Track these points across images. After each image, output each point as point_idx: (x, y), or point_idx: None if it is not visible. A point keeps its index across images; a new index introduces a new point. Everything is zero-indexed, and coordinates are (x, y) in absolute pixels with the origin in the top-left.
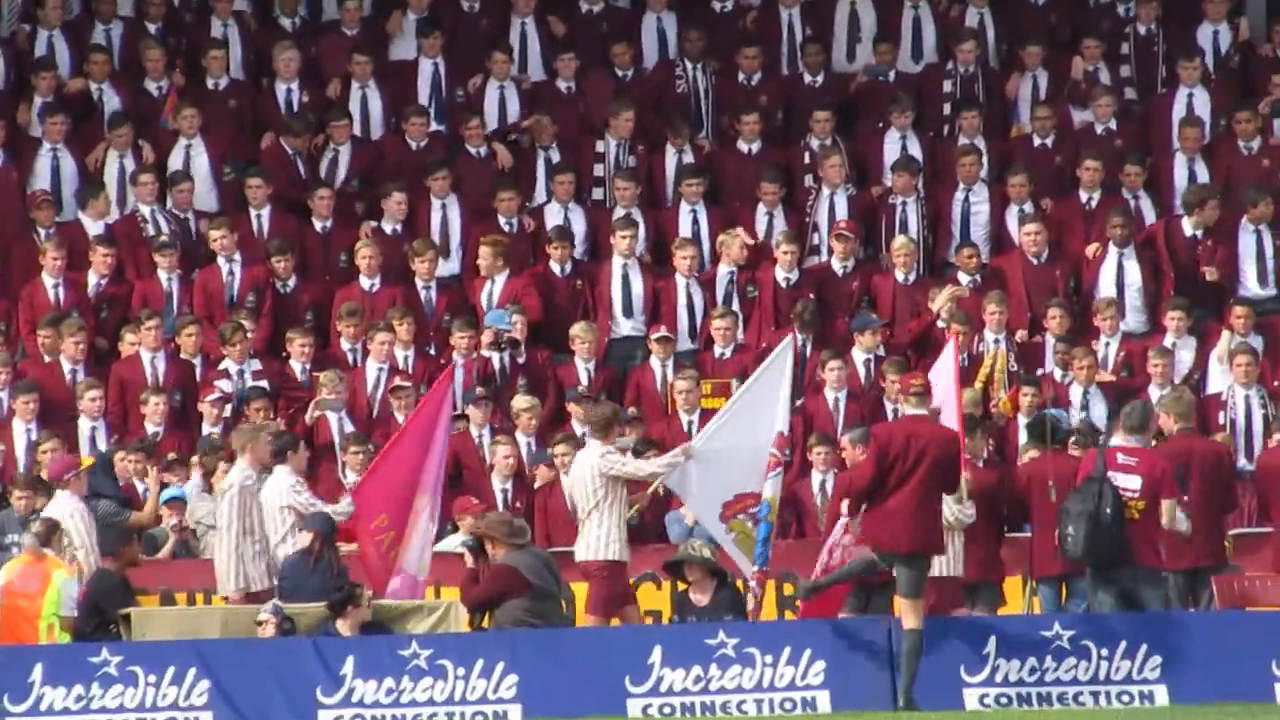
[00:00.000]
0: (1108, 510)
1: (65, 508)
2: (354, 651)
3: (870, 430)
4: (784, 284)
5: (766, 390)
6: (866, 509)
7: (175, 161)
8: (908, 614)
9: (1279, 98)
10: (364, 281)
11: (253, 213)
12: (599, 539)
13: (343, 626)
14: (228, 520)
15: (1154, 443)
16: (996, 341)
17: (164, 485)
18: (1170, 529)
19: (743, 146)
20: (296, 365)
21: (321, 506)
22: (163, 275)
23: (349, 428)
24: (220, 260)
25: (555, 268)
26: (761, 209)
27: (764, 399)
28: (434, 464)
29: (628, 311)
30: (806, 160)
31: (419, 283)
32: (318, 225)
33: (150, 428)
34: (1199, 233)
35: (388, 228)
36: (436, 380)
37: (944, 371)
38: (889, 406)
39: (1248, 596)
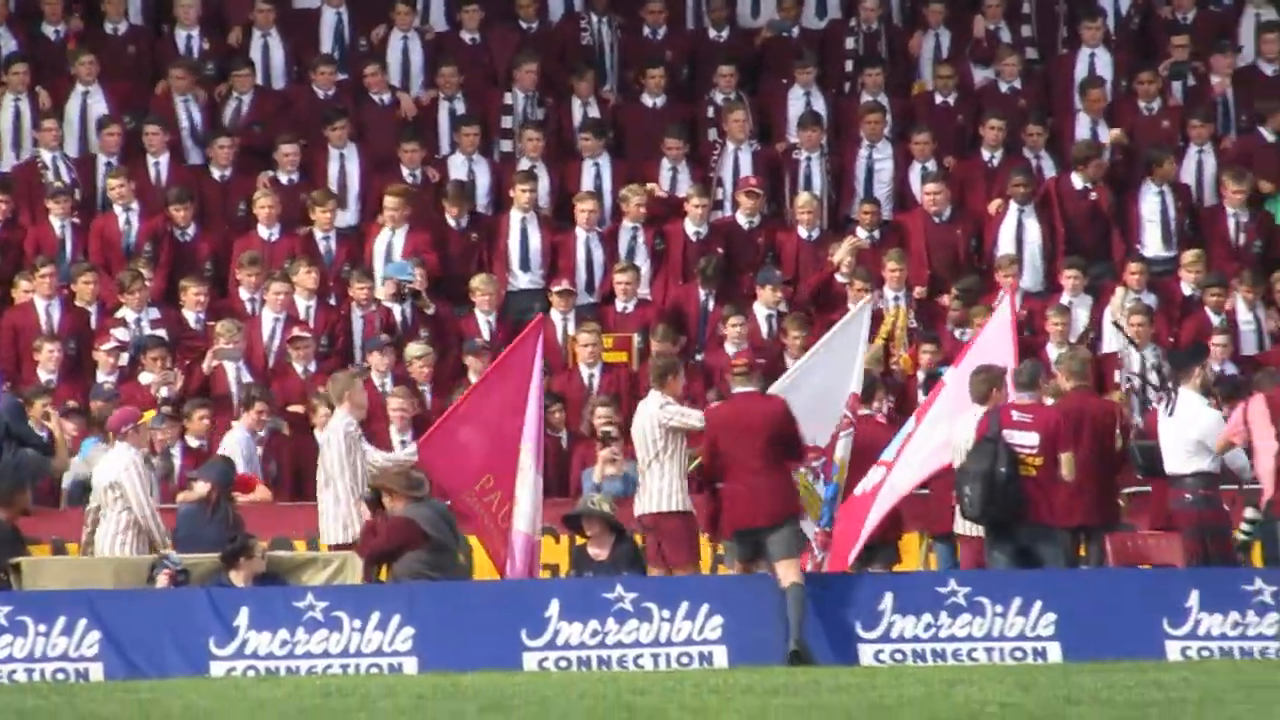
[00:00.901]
0: (1003, 469)
1: (122, 460)
2: (248, 603)
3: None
4: (694, 238)
5: (840, 349)
6: (720, 489)
7: (72, 108)
8: (786, 572)
9: (1178, 59)
10: (262, 231)
11: (150, 160)
12: (661, 490)
13: (236, 577)
14: (339, 469)
15: (1050, 401)
16: (896, 299)
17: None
18: (1070, 482)
19: (647, 100)
20: (190, 314)
21: (373, 453)
22: (55, 221)
23: (246, 378)
24: (117, 208)
25: (450, 220)
26: (665, 163)
27: (837, 358)
28: (534, 418)
29: (525, 265)
30: (710, 115)
31: (318, 233)
32: (216, 174)
33: (44, 375)
34: (1089, 185)
35: (283, 178)
36: (523, 332)
37: (1001, 325)
38: (790, 362)
39: (1140, 554)
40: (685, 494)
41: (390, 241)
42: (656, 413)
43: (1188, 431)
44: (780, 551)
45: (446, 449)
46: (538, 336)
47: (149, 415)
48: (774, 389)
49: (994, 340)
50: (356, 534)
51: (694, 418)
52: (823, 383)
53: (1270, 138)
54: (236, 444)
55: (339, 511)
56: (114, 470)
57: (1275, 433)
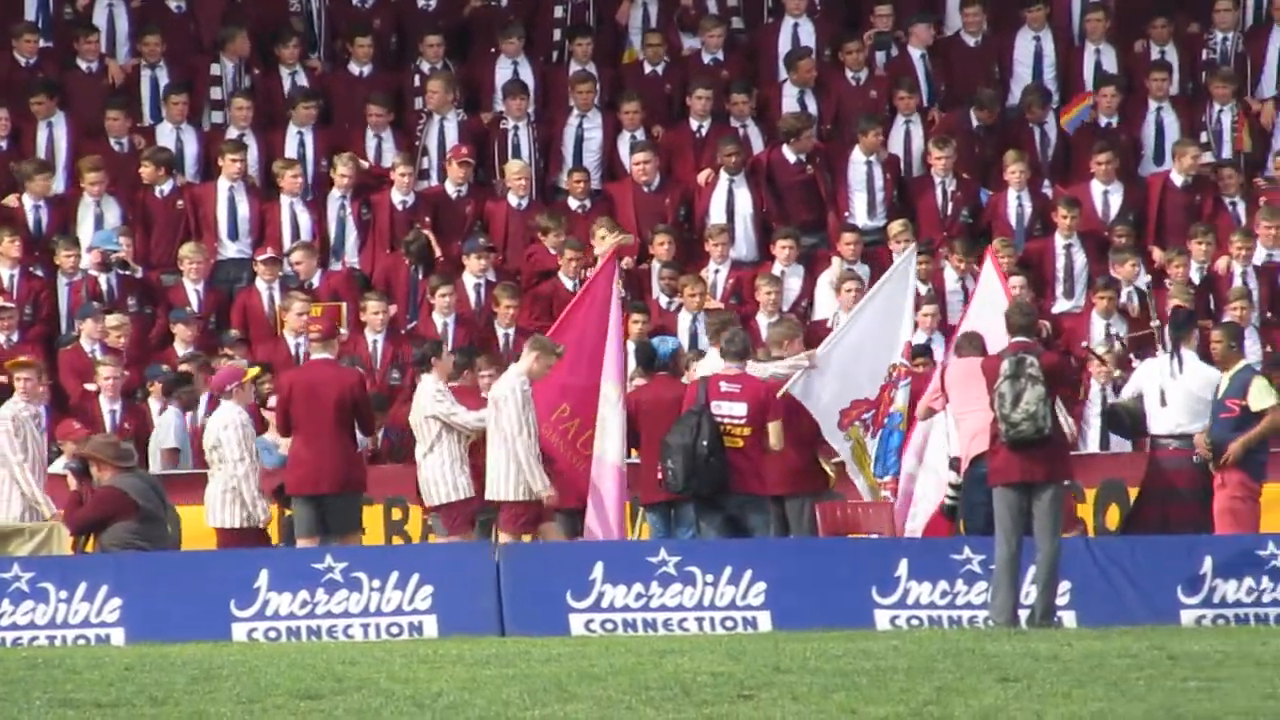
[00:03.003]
0: (705, 443)
1: (225, 418)
2: None
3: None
4: (400, 207)
5: (889, 300)
6: (291, 451)
7: None
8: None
9: (882, 29)
10: None
11: None
12: None
13: None
14: (518, 425)
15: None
16: None
17: None
18: (777, 452)
19: (354, 69)
20: None
21: (464, 415)
22: None
23: None
24: None
25: (155, 189)
26: (370, 132)
27: (886, 309)
28: (616, 349)
29: (233, 234)
30: (417, 84)
31: (28, 200)
32: None
33: None
34: (803, 157)
35: None
36: (601, 265)
37: (992, 285)
38: (500, 331)
39: (849, 523)
40: None
41: (100, 211)
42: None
43: (1199, 391)
44: (340, 528)
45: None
46: (614, 267)
47: (253, 372)
48: (824, 345)
49: (990, 302)
50: (533, 489)
51: (758, 369)
52: (870, 334)
53: (975, 122)
54: None
55: (513, 469)
56: (215, 430)
57: (990, 401)
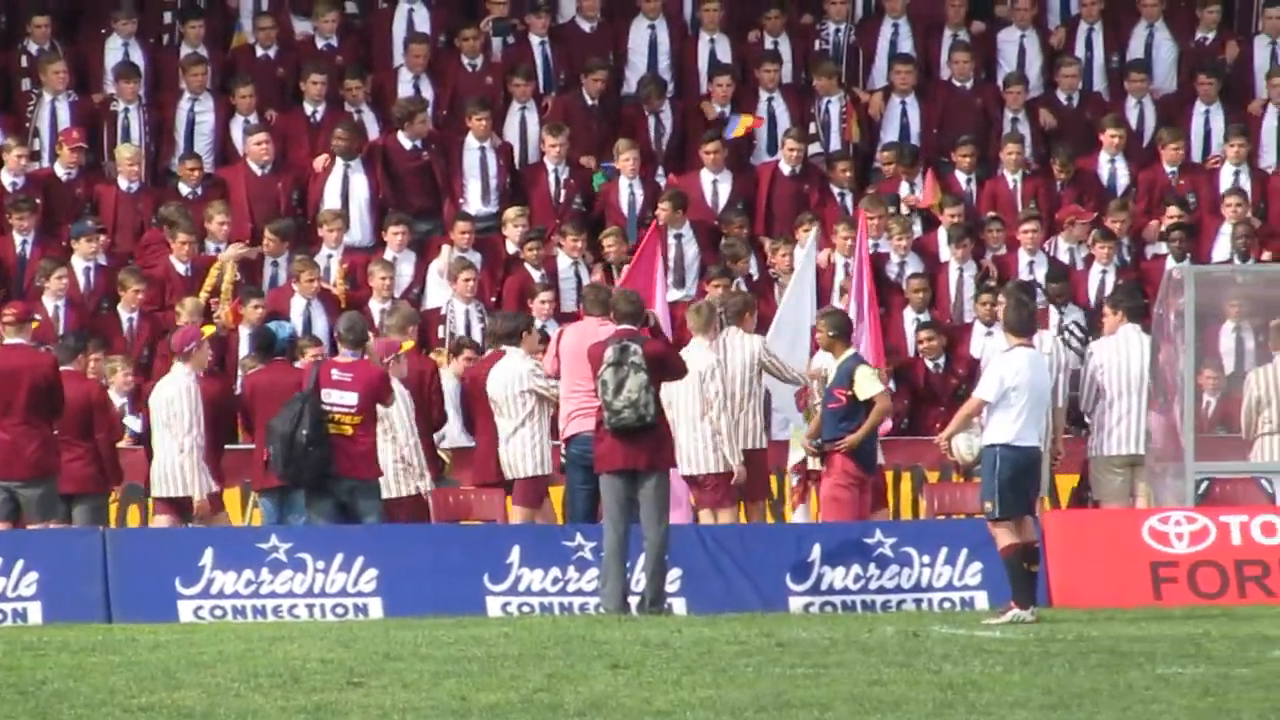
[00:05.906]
0: (305, 432)
1: (179, 384)
2: None
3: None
4: (10, 189)
5: (800, 281)
6: None
7: None
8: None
9: (499, 16)
10: None
11: None
12: (757, 426)
13: None
14: (728, 394)
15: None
16: (218, 250)
17: None
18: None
19: None
20: None
21: (541, 382)
22: None
23: None
24: None
25: None
26: None
27: (798, 290)
28: (664, 317)
29: None
30: (24, 64)
31: None
32: None
33: None
34: (418, 143)
35: None
36: (645, 238)
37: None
38: (124, 315)
39: (463, 509)
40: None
41: None
42: (758, 350)
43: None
44: (39, 510)
45: None
46: (659, 239)
47: (209, 331)
48: (770, 331)
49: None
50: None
51: (780, 363)
52: (788, 319)
53: (590, 100)
54: None
55: (703, 438)
56: (169, 393)
57: (594, 387)
